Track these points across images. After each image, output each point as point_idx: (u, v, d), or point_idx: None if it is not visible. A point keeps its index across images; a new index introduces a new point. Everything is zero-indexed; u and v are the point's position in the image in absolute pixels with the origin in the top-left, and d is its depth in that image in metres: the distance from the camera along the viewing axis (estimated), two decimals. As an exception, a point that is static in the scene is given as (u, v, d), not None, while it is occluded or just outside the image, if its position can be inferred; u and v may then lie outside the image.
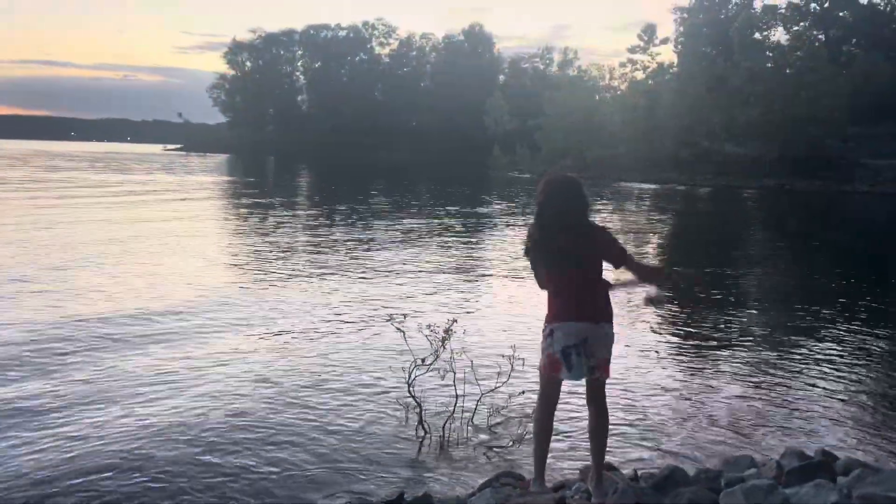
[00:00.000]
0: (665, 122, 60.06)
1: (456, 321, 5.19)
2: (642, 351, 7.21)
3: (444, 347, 5.07)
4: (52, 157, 68.02)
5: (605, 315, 3.62)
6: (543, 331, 3.65)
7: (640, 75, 72.33)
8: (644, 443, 4.92)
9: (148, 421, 4.99)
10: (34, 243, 13.19)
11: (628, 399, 5.77)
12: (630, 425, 5.22)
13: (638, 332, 8.09)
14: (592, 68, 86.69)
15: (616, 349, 3.72)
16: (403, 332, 5.19)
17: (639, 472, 4.22)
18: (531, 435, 4.78)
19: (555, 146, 65.54)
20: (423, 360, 5.05)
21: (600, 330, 3.57)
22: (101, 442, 4.62)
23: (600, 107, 71.04)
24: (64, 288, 9.35)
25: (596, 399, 3.67)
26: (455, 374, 5.25)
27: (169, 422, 5.00)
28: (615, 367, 6.10)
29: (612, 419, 5.23)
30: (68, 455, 4.42)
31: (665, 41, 72.13)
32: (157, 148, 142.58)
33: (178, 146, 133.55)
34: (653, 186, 48.46)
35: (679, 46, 68.68)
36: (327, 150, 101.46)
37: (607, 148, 63.45)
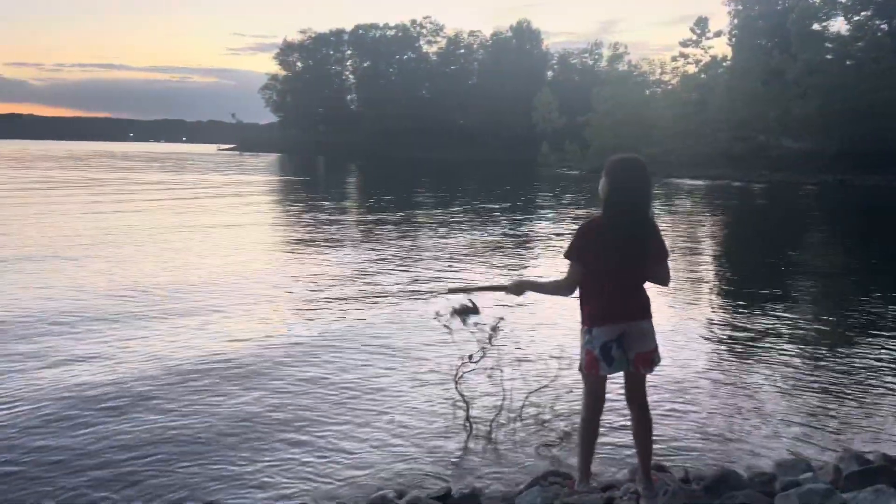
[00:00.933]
0: (718, 116, 58.72)
1: (503, 318, 5.18)
2: (692, 348, 7.08)
3: (491, 344, 5.07)
4: (114, 157, 70.31)
5: (648, 313, 3.58)
6: (582, 330, 3.60)
7: (692, 69, 70.84)
8: (695, 443, 4.83)
9: (200, 402, 5.12)
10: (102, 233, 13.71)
11: (678, 397, 5.67)
12: (680, 425, 5.13)
13: (688, 328, 7.95)
14: (643, 63, 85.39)
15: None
16: (450, 328, 5.21)
17: (690, 474, 4.15)
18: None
19: (604, 142, 64.60)
20: (469, 357, 5.06)
21: (639, 325, 3.53)
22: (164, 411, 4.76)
23: (651, 102, 69.88)
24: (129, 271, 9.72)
25: (636, 397, 3.62)
26: (502, 371, 5.25)
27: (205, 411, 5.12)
28: (665, 364, 6.00)
29: (662, 418, 5.19)
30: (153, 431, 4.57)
31: (718, 34, 70.42)
32: (211, 148, 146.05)
33: (232, 146, 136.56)
34: (705, 183, 47.40)
35: (733, 39, 66.95)
36: (375, 150, 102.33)
37: (658, 144, 62.34)
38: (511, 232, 17.64)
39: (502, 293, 3.98)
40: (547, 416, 5.11)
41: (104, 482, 4.09)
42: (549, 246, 15.32)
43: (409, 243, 14.95)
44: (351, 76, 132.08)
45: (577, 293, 3.64)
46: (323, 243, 14.69)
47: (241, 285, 9.89)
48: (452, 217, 21.07)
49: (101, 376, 5.89)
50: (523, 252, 14.44)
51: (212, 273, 10.73)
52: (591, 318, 3.54)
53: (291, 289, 9.82)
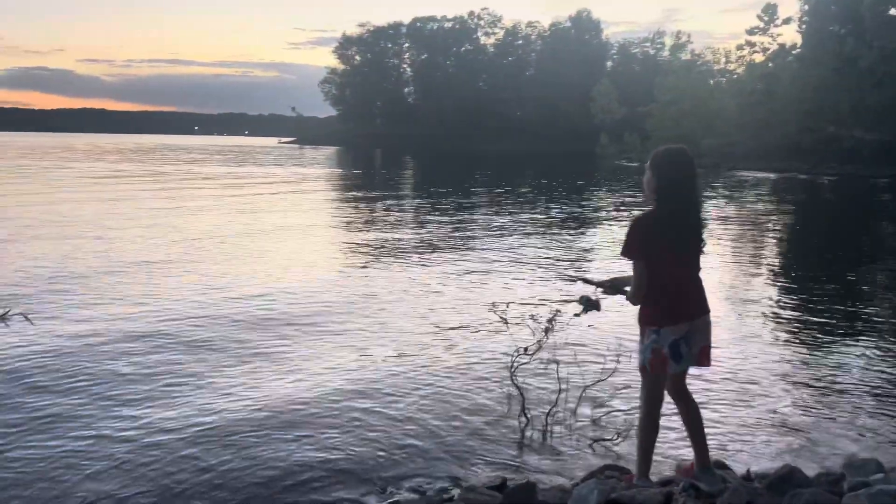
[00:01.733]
0: (786, 106, 56.66)
1: (559, 311, 5.14)
2: (757, 342, 6.88)
3: (547, 338, 5.04)
4: (178, 150, 72.53)
5: (708, 306, 3.56)
6: (647, 330, 3.51)
7: (758, 58, 68.48)
8: (759, 440, 4.71)
9: (269, 394, 5.26)
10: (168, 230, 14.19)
11: (743, 393, 5.54)
12: (744, 420, 5.00)
13: (754, 322, 7.74)
14: (706, 52, 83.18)
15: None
16: (506, 320, 5.20)
17: (752, 472, 4.05)
18: (635, 430, 4.71)
19: (666, 133, 63.12)
20: (525, 350, 5.05)
21: (704, 320, 3.51)
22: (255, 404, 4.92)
23: (715, 92, 67.99)
24: (193, 270, 10.02)
25: (682, 390, 3.61)
26: (558, 364, 5.22)
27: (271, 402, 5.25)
28: (730, 358, 5.84)
29: (725, 414, 5.08)
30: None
31: (787, 21, 67.84)
32: (272, 141, 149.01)
33: (292, 139, 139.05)
34: (771, 175, 45.90)
35: (803, 26, 64.37)
36: (432, 142, 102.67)
37: (722, 135, 60.65)
38: (577, 238, 17.45)
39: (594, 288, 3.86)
40: (603, 411, 5.06)
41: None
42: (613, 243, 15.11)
43: (469, 243, 14.97)
44: (408, 69, 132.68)
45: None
46: (395, 245, 14.83)
47: (318, 292, 10.08)
48: (513, 217, 21.00)
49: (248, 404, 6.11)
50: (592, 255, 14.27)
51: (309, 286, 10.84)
52: (658, 317, 3.44)
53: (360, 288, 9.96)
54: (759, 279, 11.00)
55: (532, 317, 5.15)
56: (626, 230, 3.51)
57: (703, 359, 3.52)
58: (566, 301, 4.75)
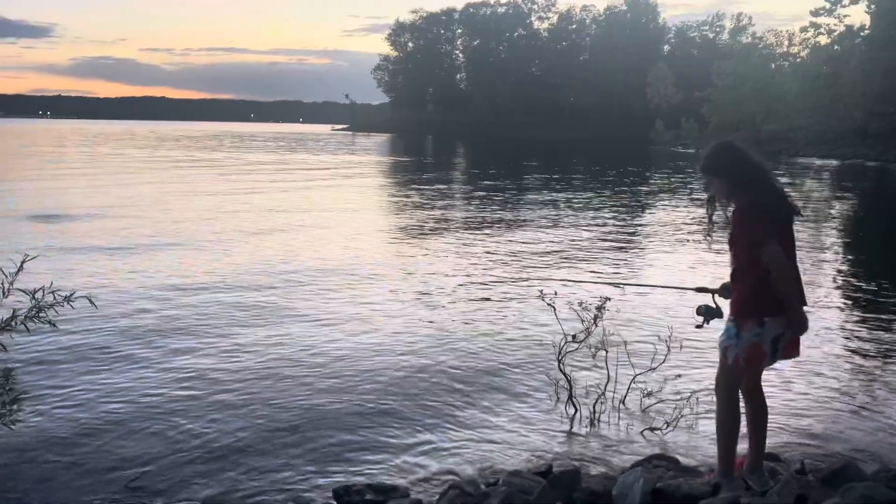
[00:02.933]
0: (852, 90, 54.42)
1: (609, 299, 5.09)
2: (823, 336, 6.68)
3: (596, 325, 5.00)
4: (242, 138, 74.09)
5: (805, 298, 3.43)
6: (747, 322, 3.30)
7: (823, 40, 65.84)
8: (817, 432, 4.59)
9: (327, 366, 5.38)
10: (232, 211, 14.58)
11: (806, 382, 5.40)
12: (803, 411, 4.88)
13: (820, 310, 7.52)
14: (768, 35, 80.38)
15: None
16: (553, 307, 5.18)
17: (807, 466, 3.96)
18: (685, 419, 4.64)
19: (725, 119, 61.52)
20: (573, 338, 5.02)
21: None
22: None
23: (776, 76, 65.66)
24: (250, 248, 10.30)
25: (756, 388, 3.48)
26: (607, 352, 5.17)
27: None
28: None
29: (785, 402, 4.96)
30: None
31: (856, 1, 64.97)
32: (326, 128, 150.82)
33: (345, 126, 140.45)
34: (835, 162, 44.26)
35: (872, 6, 61.57)
36: (484, 129, 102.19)
37: (783, 121, 58.68)
38: (631, 222, 17.20)
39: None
40: (653, 400, 5.00)
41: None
42: (678, 238, 14.86)
43: (517, 234, 14.91)
44: (461, 55, 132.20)
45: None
46: (454, 230, 14.89)
47: (370, 267, 10.23)
48: (569, 204, 20.82)
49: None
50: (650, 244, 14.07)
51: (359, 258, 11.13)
52: (766, 308, 3.24)
53: (422, 274, 10.05)
54: (825, 268, 10.66)
55: (581, 303, 5.12)
56: (735, 222, 3.32)
57: (794, 350, 3.41)
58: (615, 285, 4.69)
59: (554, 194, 21.57)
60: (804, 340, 3.50)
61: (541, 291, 5.41)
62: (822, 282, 9.55)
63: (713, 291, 3.68)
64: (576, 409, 4.87)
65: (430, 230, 13.67)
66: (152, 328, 6.70)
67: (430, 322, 7.05)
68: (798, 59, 69.40)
